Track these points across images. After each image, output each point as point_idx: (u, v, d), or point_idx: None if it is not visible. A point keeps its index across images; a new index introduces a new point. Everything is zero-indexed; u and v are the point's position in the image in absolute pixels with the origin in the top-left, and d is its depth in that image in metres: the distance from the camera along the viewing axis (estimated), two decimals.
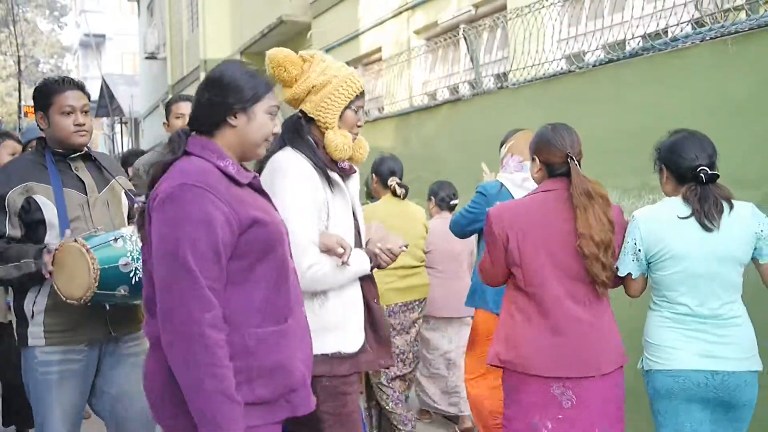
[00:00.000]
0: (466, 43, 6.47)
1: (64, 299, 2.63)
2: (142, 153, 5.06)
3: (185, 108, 3.88)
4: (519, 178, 3.68)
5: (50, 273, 2.62)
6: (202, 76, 14.06)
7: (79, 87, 2.94)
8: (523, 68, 5.31)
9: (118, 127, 29.32)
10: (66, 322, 2.79)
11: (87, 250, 2.60)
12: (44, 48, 43.33)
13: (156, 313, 1.87)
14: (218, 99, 1.99)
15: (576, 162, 2.69)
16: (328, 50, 10.94)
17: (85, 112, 2.91)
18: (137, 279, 2.64)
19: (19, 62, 23.87)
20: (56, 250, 2.64)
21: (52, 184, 2.79)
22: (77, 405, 2.86)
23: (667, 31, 4.23)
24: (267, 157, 2.41)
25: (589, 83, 4.60)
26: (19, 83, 24.74)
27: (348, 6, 10.29)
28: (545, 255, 2.65)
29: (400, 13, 8.76)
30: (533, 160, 2.81)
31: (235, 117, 2.00)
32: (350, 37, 10.16)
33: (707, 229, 2.61)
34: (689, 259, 2.62)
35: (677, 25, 4.17)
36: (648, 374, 2.72)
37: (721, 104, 3.66)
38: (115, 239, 2.66)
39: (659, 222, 2.67)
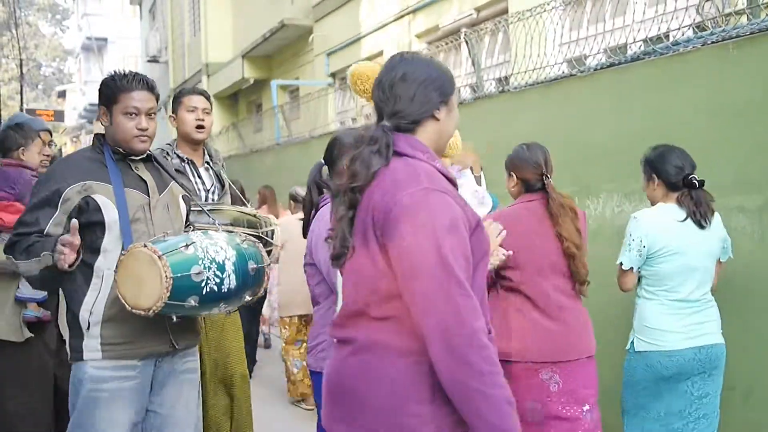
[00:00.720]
0: (468, 47, 6.48)
1: (129, 309, 2.43)
2: None
3: (198, 101, 3.69)
4: (458, 183, 3.93)
5: (69, 266, 2.42)
6: (204, 79, 14.10)
7: (149, 87, 2.69)
8: (525, 72, 5.31)
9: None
10: (125, 334, 2.57)
11: (159, 257, 2.40)
12: (46, 51, 43.41)
13: (369, 316, 1.77)
14: (428, 92, 1.86)
15: (550, 179, 3.07)
16: (329, 54, 10.97)
17: (151, 115, 2.69)
18: (208, 289, 2.46)
19: (21, 66, 23.88)
20: (122, 254, 2.46)
21: (113, 183, 2.61)
22: (126, 426, 2.59)
23: (668, 35, 4.23)
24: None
25: (590, 87, 4.60)
26: (21, 86, 24.76)
27: (349, 10, 10.31)
28: (540, 256, 3.02)
29: (402, 16, 8.78)
30: (510, 176, 3.17)
31: (439, 110, 1.89)
32: (352, 40, 10.18)
33: (702, 227, 3.14)
34: (688, 255, 3.13)
35: (679, 29, 4.17)
36: (642, 355, 3.17)
37: (723, 108, 3.66)
38: (186, 245, 2.47)
39: (661, 223, 3.16)
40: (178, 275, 2.39)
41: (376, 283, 1.77)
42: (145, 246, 2.43)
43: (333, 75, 11.09)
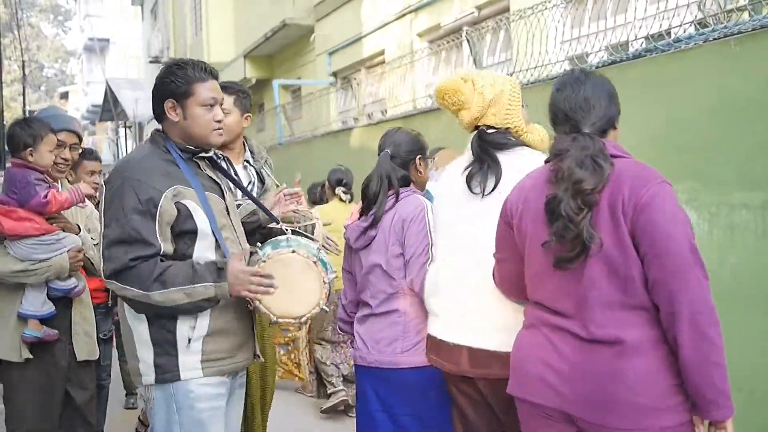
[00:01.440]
0: (469, 46, 6.48)
1: (274, 319, 2.32)
2: None
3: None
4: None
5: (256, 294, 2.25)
6: None
7: (216, 77, 2.52)
8: (526, 70, 5.31)
9: (122, 131, 29.40)
10: (226, 348, 2.40)
11: (314, 262, 2.34)
12: (48, 52, 43.50)
13: (625, 306, 1.94)
14: (612, 106, 2.14)
15: None
16: (331, 53, 10.97)
17: (222, 107, 2.51)
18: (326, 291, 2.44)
19: (23, 67, 23.94)
20: (261, 263, 2.33)
21: (194, 186, 2.39)
22: None
23: (670, 32, 4.22)
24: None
25: None
26: (24, 88, 24.83)
27: (351, 9, 10.31)
28: None
29: (403, 15, 8.77)
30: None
31: (617, 121, 2.16)
32: (353, 39, 10.17)
33: None
34: None
35: (680, 26, 4.17)
36: None
37: (725, 105, 3.65)
38: (318, 248, 2.39)
39: None
40: (332, 278, 2.40)
41: (630, 271, 1.93)
42: (294, 252, 2.37)
43: (335, 74, 11.09)
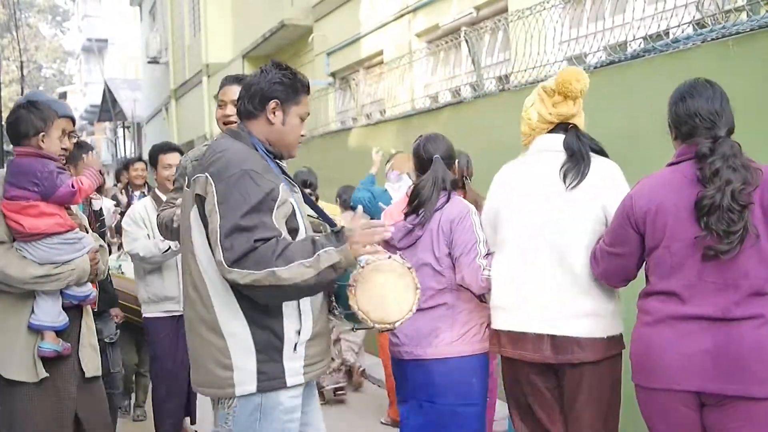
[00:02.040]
0: (468, 46, 6.48)
1: (371, 325, 2.29)
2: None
3: (227, 93, 3.16)
4: (397, 186, 5.11)
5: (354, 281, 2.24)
6: (204, 80, 14.11)
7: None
8: (525, 70, 5.32)
9: (120, 131, 29.38)
10: (321, 352, 2.38)
11: (409, 268, 2.38)
12: (47, 53, 43.49)
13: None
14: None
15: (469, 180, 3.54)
16: (329, 54, 10.97)
17: None
18: None
19: (21, 67, 23.94)
20: (359, 269, 2.28)
21: (288, 187, 2.38)
22: None
23: (668, 33, 4.23)
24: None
25: (590, 85, 4.59)
26: (22, 88, 24.80)
27: (349, 9, 10.30)
28: None
29: (402, 16, 8.77)
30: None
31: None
32: (352, 40, 10.17)
33: None
34: None
35: (678, 26, 4.17)
36: None
37: None
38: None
39: None
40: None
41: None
42: (390, 257, 2.38)
43: (333, 74, 11.08)
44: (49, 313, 2.86)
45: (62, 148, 2.98)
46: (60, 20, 45.42)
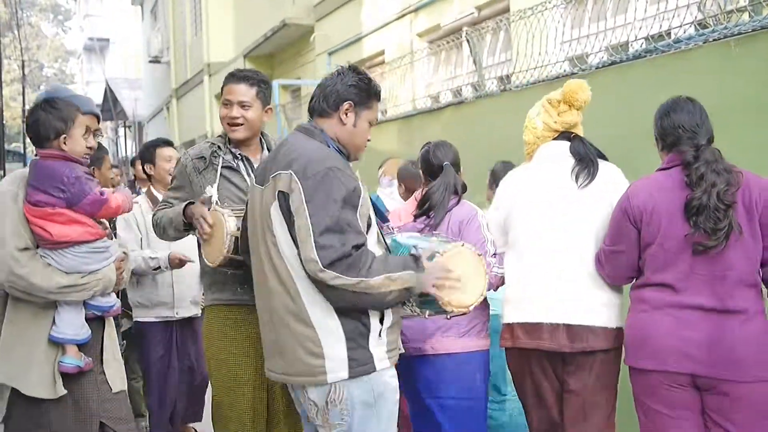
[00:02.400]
0: (469, 46, 6.48)
1: (449, 310, 2.44)
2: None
3: (231, 91, 3.05)
4: (389, 191, 5.19)
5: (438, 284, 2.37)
6: (206, 79, 14.07)
7: None
8: (526, 70, 5.31)
9: (122, 131, 29.39)
10: (396, 340, 2.47)
11: (479, 255, 2.57)
12: (48, 52, 43.49)
13: (749, 284, 2.49)
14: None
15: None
16: (331, 53, 10.97)
17: None
18: None
19: (23, 66, 23.92)
20: (438, 255, 2.42)
21: None
22: None
23: (670, 33, 4.22)
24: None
25: (591, 85, 4.57)
26: (24, 87, 24.80)
27: (351, 9, 10.31)
28: None
29: (403, 16, 8.77)
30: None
31: None
32: (353, 40, 10.17)
33: None
34: None
35: (680, 26, 4.16)
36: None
37: (725, 106, 3.65)
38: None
39: None
40: None
41: (757, 255, 2.50)
42: (463, 244, 2.54)
43: None
44: (72, 325, 2.67)
45: (87, 147, 2.79)
46: (62, 19, 45.45)
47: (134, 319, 4.34)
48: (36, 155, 2.79)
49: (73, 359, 2.67)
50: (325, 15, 11.13)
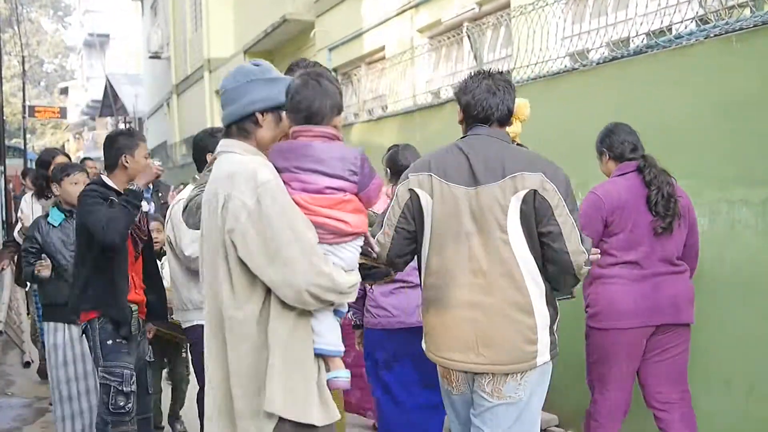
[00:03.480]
0: (470, 41, 6.47)
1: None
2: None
3: None
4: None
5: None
6: (206, 75, 14.03)
7: None
8: (527, 66, 5.31)
9: (122, 127, 29.41)
10: None
11: None
12: (48, 48, 43.47)
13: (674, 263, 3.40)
14: None
15: None
16: (331, 49, 10.96)
17: None
18: None
19: (23, 62, 23.91)
20: None
21: None
22: None
23: (671, 29, 4.22)
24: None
25: (592, 81, 4.59)
26: (24, 83, 24.79)
27: (351, 4, 10.29)
28: None
29: (404, 11, 8.75)
30: None
31: None
32: (354, 35, 10.16)
33: None
34: None
35: (681, 22, 4.16)
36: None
37: (726, 101, 3.65)
38: None
39: None
40: None
41: (682, 242, 3.42)
42: None
43: (335, 70, 11.07)
44: (334, 332, 2.25)
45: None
46: (62, 15, 45.38)
47: (188, 322, 3.94)
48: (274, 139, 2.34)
49: (344, 372, 2.27)
50: (326, 11, 11.11)
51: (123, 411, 3.51)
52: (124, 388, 3.52)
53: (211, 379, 2.25)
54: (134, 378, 3.58)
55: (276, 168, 2.22)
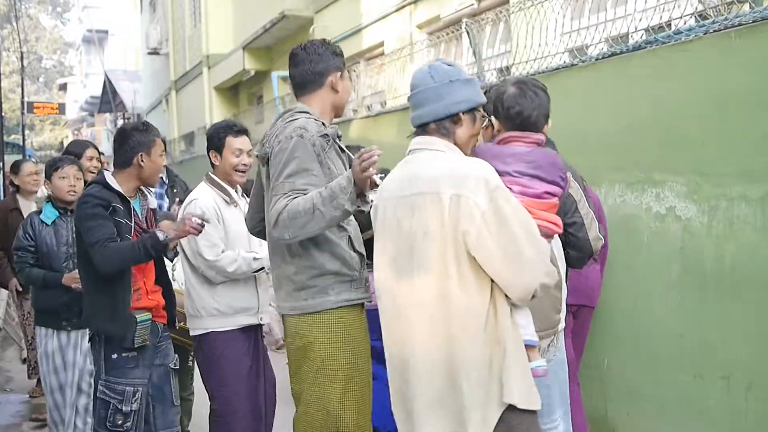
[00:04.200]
0: (469, 37, 6.46)
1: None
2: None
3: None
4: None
5: None
6: (205, 71, 14.03)
7: None
8: (526, 62, 5.30)
9: (120, 123, 29.39)
10: None
11: None
12: (47, 44, 43.42)
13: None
14: None
15: None
16: None
17: None
18: None
19: (22, 58, 23.87)
20: None
21: None
22: None
23: (670, 24, 4.21)
24: None
25: (592, 77, 4.58)
26: (22, 79, 24.75)
27: (350, 1, 10.28)
28: None
29: (403, 7, 8.75)
30: None
31: None
32: (353, 31, 10.16)
33: None
34: None
35: (681, 18, 4.15)
36: None
37: (725, 97, 3.64)
38: None
39: None
40: None
41: None
42: None
43: None
44: (532, 325, 2.41)
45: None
46: (60, 11, 45.33)
47: (201, 330, 3.66)
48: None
49: (542, 361, 2.46)
50: (325, 6, 11.10)
51: (121, 430, 3.26)
52: (124, 408, 3.24)
53: (420, 377, 2.31)
54: (138, 395, 3.27)
55: (496, 171, 2.32)
